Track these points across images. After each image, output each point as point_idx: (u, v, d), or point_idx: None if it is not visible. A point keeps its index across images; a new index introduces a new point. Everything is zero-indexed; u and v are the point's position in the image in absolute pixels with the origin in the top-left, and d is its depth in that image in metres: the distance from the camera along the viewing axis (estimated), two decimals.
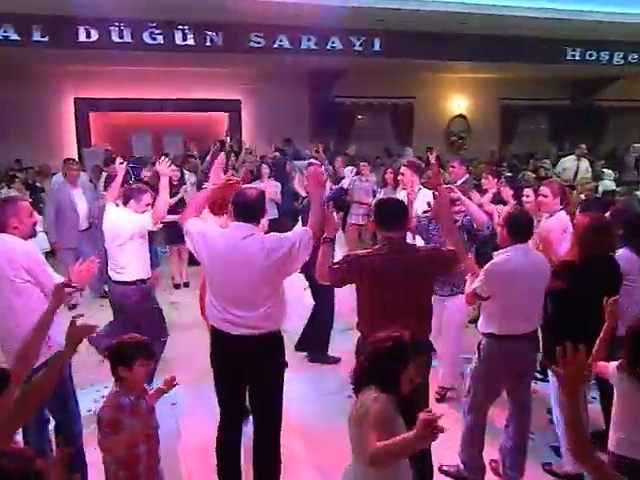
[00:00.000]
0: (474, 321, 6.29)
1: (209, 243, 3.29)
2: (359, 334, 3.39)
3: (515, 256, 3.52)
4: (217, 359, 3.41)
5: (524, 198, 5.39)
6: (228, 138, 11.20)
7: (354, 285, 3.34)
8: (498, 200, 5.94)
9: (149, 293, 4.90)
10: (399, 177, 6.03)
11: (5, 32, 9.24)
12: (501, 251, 3.61)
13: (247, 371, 3.30)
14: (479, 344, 3.72)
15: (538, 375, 4.73)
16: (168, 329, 5.04)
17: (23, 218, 3.51)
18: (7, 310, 3.35)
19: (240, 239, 3.21)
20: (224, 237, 3.28)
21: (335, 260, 3.42)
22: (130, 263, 4.70)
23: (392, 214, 3.37)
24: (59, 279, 3.51)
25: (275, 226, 6.69)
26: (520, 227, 3.58)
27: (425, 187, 5.87)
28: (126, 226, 4.67)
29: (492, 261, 3.58)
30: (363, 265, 3.25)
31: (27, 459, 1.68)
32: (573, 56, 12.46)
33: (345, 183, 6.39)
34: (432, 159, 6.94)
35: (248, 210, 3.30)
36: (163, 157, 4.46)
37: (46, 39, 9.48)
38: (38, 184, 10.11)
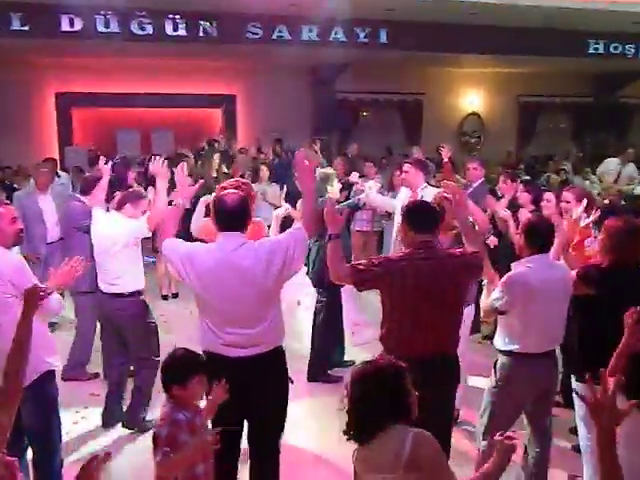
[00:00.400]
0: (489, 337, 6.28)
1: (196, 263, 3.19)
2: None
3: (536, 268, 3.51)
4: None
5: (544, 203, 5.37)
6: (222, 137, 11.19)
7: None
8: (514, 206, 5.93)
9: (146, 306, 4.82)
10: (403, 175, 6.00)
11: None
12: (520, 261, 3.60)
13: (250, 394, 3.19)
14: (495, 362, 3.70)
15: (560, 400, 4.69)
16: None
17: (3, 226, 3.45)
18: None
19: (230, 251, 3.14)
20: (212, 253, 3.20)
21: None
22: (125, 273, 4.63)
23: (425, 216, 3.36)
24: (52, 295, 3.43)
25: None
26: (540, 236, 3.57)
27: (432, 186, 5.87)
28: (121, 234, 4.60)
29: (510, 272, 3.57)
30: (396, 269, 3.21)
31: None
32: (596, 49, 12.47)
33: (362, 200, 6.07)
34: (445, 157, 6.94)
35: (231, 218, 3.21)
36: (157, 157, 4.37)
37: (26, 28, 9.50)
38: (16, 185, 10.08)
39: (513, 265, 3.62)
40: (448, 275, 3.24)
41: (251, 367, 3.17)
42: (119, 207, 4.77)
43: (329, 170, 6.17)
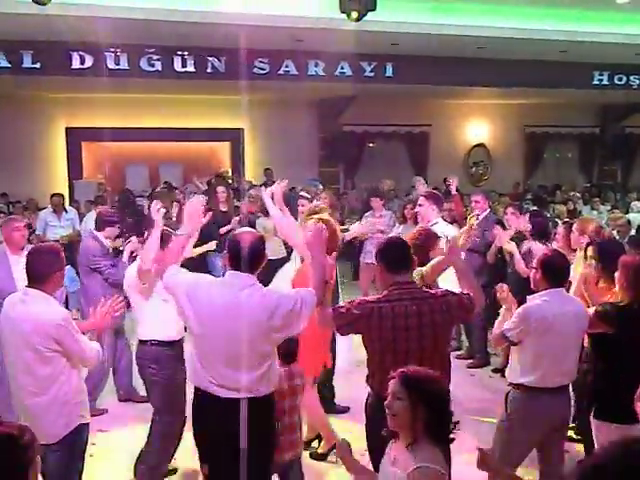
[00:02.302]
0: (499, 370, 6.24)
1: (201, 296, 3.14)
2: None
3: (552, 301, 3.51)
4: (202, 426, 3.26)
5: (559, 236, 5.38)
6: (229, 171, 11.25)
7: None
8: (520, 238, 5.95)
9: (169, 359, 4.37)
10: (416, 209, 6.02)
11: None
12: (536, 295, 3.59)
13: (235, 437, 3.11)
14: (506, 396, 3.68)
15: (573, 435, 4.65)
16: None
17: (63, 271, 3.44)
18: (30, 379, 3.25)
19: (238, 290, 3.10)
20: (218, 289, 3.16)
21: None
22: (141, 319, 4.38)
23: (400, 255, 3.31)
24: (91, 344, 3.41)
25: (282, 264, 6.69)
26: (557, 270, 3.57)
27: (445, 220, 5.89)
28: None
29: (526, 305, 3.57)
30: (372, 312, 3.17)
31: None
32: (600, 80, 12.54)
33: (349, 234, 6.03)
34: (452, 189, 7.00)
35: (245, 259, 3.14)
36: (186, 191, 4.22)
37: (37, 65, 9.66)
38: (26, 220, 10.16)
39: (528, 298, 3.62)
40: (427, 316, 3.18)
41: (239, 410, 3.09)
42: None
43: (319, 204, 6.16)
